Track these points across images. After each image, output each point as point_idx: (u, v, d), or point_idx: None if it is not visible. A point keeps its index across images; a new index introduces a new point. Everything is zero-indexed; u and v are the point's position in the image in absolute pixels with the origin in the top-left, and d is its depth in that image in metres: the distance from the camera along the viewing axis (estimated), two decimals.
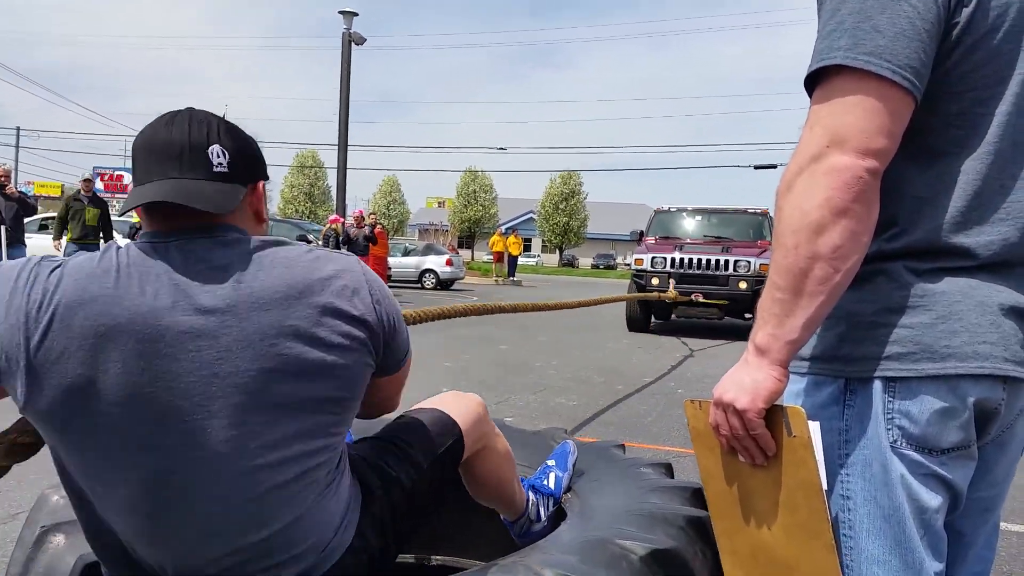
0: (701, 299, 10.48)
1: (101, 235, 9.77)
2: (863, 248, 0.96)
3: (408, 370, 1.33)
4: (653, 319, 11.63)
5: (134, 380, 1.01)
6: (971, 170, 0.98)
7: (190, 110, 1.15)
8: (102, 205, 9.94)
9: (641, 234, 11.97)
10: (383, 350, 1.19)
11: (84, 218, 9.60)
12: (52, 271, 1.04)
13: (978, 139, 0.98)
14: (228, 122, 1.17)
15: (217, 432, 1.04)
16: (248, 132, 1.21)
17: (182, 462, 1.04)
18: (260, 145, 1.23)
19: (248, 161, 1.16)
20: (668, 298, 9.26)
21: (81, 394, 1.00)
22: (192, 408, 1.03)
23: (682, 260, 10.71)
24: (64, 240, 9.74)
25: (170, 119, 1.13)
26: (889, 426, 0.99)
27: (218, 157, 1.10)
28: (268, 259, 1.09)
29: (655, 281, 10.70)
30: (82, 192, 9.84)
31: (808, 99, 1.00)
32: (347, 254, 1.19)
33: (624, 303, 11.07)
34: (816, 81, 0.98)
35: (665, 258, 10.80)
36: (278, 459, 1.08)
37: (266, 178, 1.22)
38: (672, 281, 10.47)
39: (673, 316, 11.82)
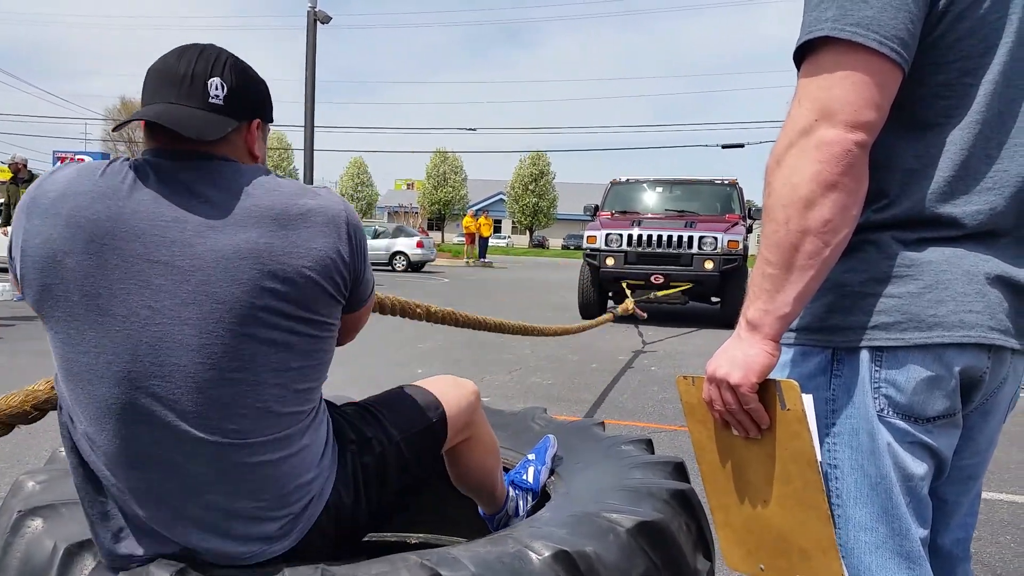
0: (660, 283, 9.24)
1: None
2: (853, 221, 0.96)
3: (369, 311, 1.37)
4: (611, 304, 10.28)
5: (106, 273, 1.07)
6: (958, 140, 0.98)
7: (204, 45, 1.20)
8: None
9: (596, 208, 10.69)
10: (351, 285, 1.22)
11: (18, 200, 9.39)
12: (63, 169, 1.15)
13: (965, 109, 0.98)
14: (239, 61, 1.22)
15: (188, 339, 1.07)
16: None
17: (154, 365, 1.08)
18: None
19: (247, 99, 1.20)
20: (626, 311, 7.18)
21: (58, 277, 1.07)
22: (163, 310, 1.07)
23: (640, 237, 9.36)
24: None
25: (182, 51, 1.18)
26: (876, 395, 1.01)
27: (216, 89, 1.16)
28: (248, 185, 1.12)
29: (609, 261, 9.43)
30: (15, 175, 9.54)
31: (797, 73, 1.00)
32: (328, 190, 1.20)
33: (577, 286, 9.95)
34: (804, 54, 0.97)
35: (621, 235, 9.44)
36: (251, 379, 1.10)
37: (266, 120, 1.26)
38: (628, 290, 8.70)
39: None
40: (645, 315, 7.53)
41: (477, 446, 1.58)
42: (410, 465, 1.39)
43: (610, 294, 10.08)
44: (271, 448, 1.14)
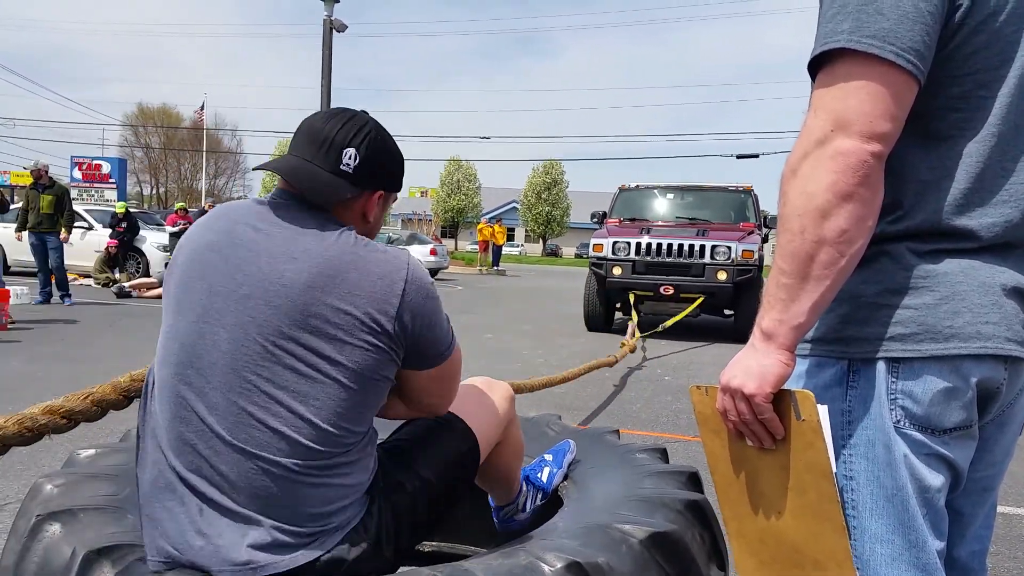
0: (670, 294, 8.70)
1: (60, 221, 9.55)
2: (868, 232, 0.96)
3: (453, 368, 1.38)
4: (619, 315, 9.86)
5: (210, 277, 1.22)
6: (973, 153, 0.98)
7: (354, 113, 1.33)
8: (58, 191, 9.69)
9: (603, 216, 10.16)
10: (407, 349, 1.27)
11: (39, 205, 9.46)
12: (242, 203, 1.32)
13: (980, 122, 0.98)
14: (380, 135, 1.32)
15: (249, 342, 1.19)
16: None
17: (201, 349, 1.20)
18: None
19: (375, 173, 1.31)
20: (625, 352, 6.23)
21: (184, 277, 1.25)
22: (223, 311, 1.20)
23: (649, 246, 8.85)
24: (25, 233, 9.62)
25: (332, 114, 1.31)
26: (892, 407, 1.00)
27: (348, 159, 1.27)
28: (330, 238, 1.22)
29: (616, 271, 8.91)
30: (36, 180, 9.63)
31: (811, 84, 1.00)
32: (400, 252, 1.28)
33: (584, 293, 9.48)
34: (819, 65, 0.97)
35: (629, 243, 8.94)
36: (275, 398, 1.18)
37: (392, 190, 1.37)
38: (633, 330, 7.20)
39: (642, 313, 9.63)
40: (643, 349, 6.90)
41: (506, 449, 1.59)
42: (441, 499, 1.39)
43: (617, 305, 9.57)
44: (292, 469, 1.18)
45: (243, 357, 1.17)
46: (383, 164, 1.32)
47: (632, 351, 6.33)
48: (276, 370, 1.17)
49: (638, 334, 7.09)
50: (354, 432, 1.23)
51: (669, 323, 8.33)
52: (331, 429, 1.19)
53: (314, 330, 1.17)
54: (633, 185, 10.46)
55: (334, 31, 18.83)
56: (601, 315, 9.38)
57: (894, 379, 1.00)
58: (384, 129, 1.34)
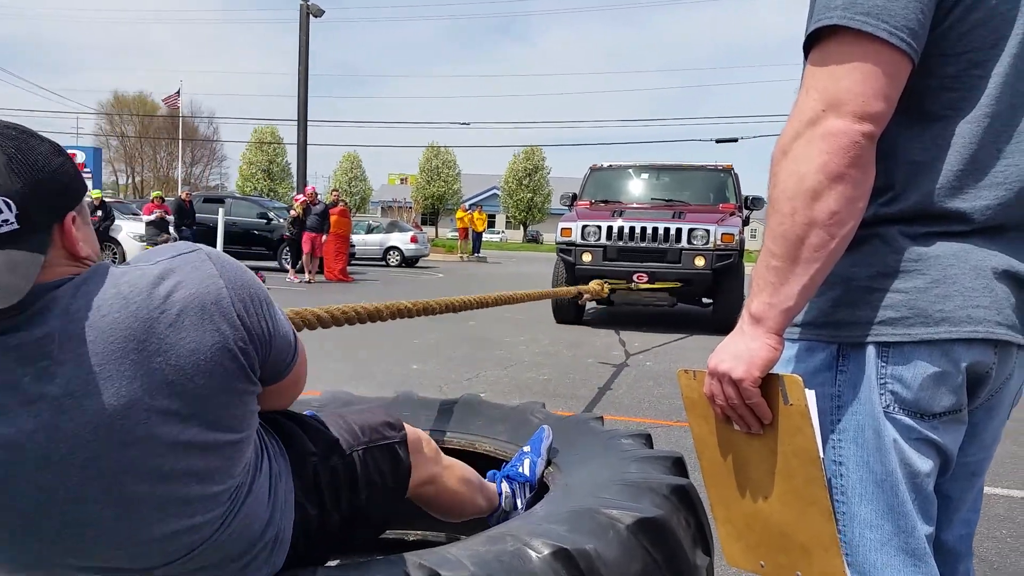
0: (644, 282, 8.03)
1: None
2: (859, 214, 0.95)
3: (303, 370, 1.19)
4: (590, 306, 9.25)
5: None
6: (966, 133, 0.97)
7: None
8: None
9: (573, 197, 9.50)
10: (260, 366, 1.03)
11: None
12: None
13: (974, 102, 0.97)
14: (22, 147, 0.91)
15: (97, 517, 0.92)
16: (50, 155, 0.94)
17: (69, 554, 0.94)
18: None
19: (47, 198, 0.91)
20: (590, 294, 5.99)
21: None
22: (59, 503, 0.90)
23: (621, 230, 8.18)
24: None
25: None
26: (882, 391, 0.99)
27: (2, 213, 0.87)
28: (92, 312, 0.89)
29: (586, 257, 8.29)
30: None
31: (803, 63, 0.99)
32: (190, 256, 0.99)
33: (551, 281, 9.03)
34: (813, 43, 0.96)
35: (599, 227, 8.28)
36: (183, 512, 0.97)
37: (77, 202, 0.97)
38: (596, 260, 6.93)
39: (613, 303, 9.16)
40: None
41: (444, 491, 1.54)
42: (375, 475, 1.34)
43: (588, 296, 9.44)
44: (226, 529, 1.03)
45: (133, 509, 0.93)
46: (50, 178, 0.92)
47: (600, 294, 5.95)
48: (171, 489, 0.95)
49: (605, 285, 6.68)
50: (247, 456, 1.07)
51: (643, 285, 7.98)
52: (240, 469, 1.04)
53: (183, 427, 0.94)
54: (605, 164, 9.77)
55: (311, 16, 18.63)
56: (569, 305, 8.67)
57: (884, 363, 0.99)
58: (16, 135, 0.91)
